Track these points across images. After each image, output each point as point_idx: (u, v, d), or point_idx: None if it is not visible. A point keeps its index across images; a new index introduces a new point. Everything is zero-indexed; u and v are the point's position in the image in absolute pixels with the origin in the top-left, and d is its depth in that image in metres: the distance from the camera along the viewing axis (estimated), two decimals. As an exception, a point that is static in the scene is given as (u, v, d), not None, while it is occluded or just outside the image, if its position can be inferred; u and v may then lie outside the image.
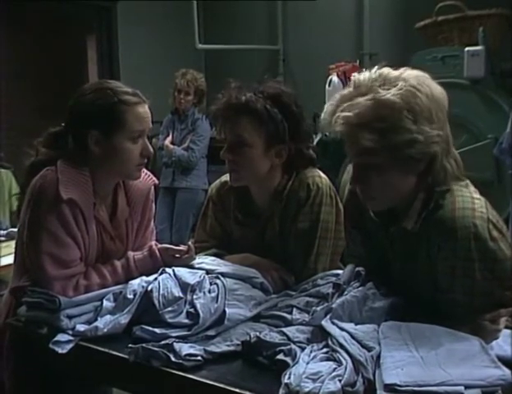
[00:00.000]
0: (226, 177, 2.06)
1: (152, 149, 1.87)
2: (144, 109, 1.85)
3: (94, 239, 1.82)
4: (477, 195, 1.48)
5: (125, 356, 1.44)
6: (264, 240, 1.97)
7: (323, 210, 1.89)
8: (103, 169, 1.83)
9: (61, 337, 1.55)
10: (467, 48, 3.56)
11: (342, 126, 1.44)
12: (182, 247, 1.86)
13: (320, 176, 1.94)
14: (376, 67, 1.50)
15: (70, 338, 1.56)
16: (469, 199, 1.45)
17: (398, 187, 1.49)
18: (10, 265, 2.20)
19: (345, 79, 4.30)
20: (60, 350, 1.53)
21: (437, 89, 1.47)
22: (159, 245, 1.90)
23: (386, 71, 1.47)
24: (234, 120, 1.87)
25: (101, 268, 1.81)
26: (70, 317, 1.61)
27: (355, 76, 1.49)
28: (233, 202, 2.03)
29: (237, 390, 1.28)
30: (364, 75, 1.48)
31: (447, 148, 1.48)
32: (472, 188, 1.51)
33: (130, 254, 1.87)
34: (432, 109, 1.42)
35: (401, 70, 1.48)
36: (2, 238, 3.47)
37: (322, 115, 1.53)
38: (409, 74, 1.46)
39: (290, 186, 1.93)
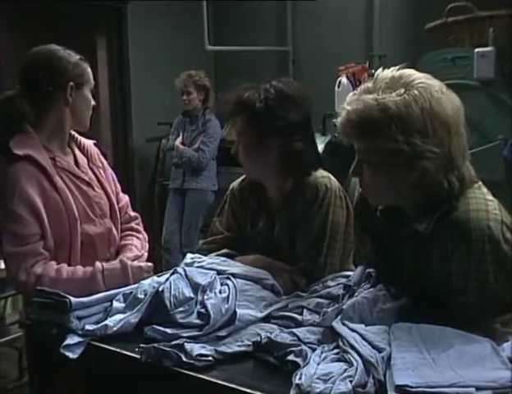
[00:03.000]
0: None
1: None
2: (87, 64, 2.05)
3: (64, 191, 1.88)
4: (490, 197, 1.48)
5: (137, 356, 1.45)
6: (273, 237, 1.98)
7: (332, 211, 1.89)
8: (61, 121, 1.96)
9: (71, 340, 1.55)
10: (477, 49, 3.55)
11: (341, 118, 1.48)
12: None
13: (329, 178, 1.95)
14: (399, 66, 1.49)
15: (80, 340, 1.56)
16: (483, 201, 1.44)
17: (390, 187, 1.49)
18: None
19: (354, 80, 4.30)
20: (71, 355, 1.52)
21: (446, 106, 1.42)
22: (133, 264, 1.91)
23: (408, 72, 1.46)
24: (234, 118, 1.94)
25: (62, 265, 1.85)
26: (79, 318, 1.62)
27: (379, 71, 1.50)
28: (251, 199, 2.06)
29: (248, 390, 1.28)
30: (387, 72, 1.48)
31: (447, 165, 1.44)
32: (484, 189, 1.50)
33: (98, 263, 1.89)
34: (428, 123, 1.39)
35: (417, 76, 1.45)
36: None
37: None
38: (418, 82, 1.43)
39: (296, 186, 1.95)
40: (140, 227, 2.20)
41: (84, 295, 1.68)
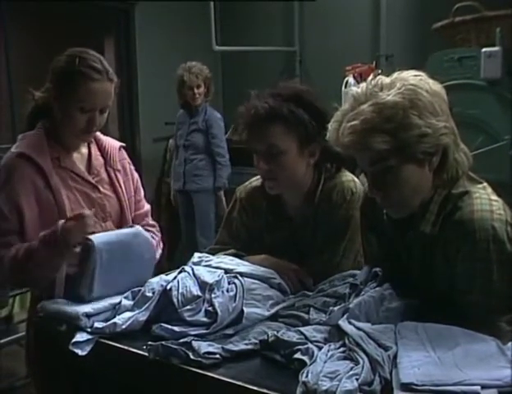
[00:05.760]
0: (256, 182, 2.07)
1: (99, 123, 1.95)
2: (101, 86, 1.91)
3: (59, 190, 1.87)
4: (494, 197, 1.48)
5: (145, 353, 1.46)
6: (298, 244, 1.97)
7: (355, 215, 1.88)
8: (74, 123, 1.92)
9: (80, 337, 1.57)
10: (484, 49, 3.53)
11: (350, 136, 1.44)
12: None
13: (354, 181, 1.94)
14: (371, 77, 1.52)
15: (89, 337, 1.58)
16: (487, 201, 1.45)
17: (417, 187, 1.49)
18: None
19: (361, 80, 4.30)
20: (80, 352, 1.54)
21: (436, 84, 1.49)
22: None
23: (382, 78, 1.49)
24: (263, 130, 1.85)
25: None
26: (88, 316, 1.63)
27: (353, 90, 1.50)
28: (265, 207, 2.03)
29: (255, 388, 1.29)
30: (361, 86, 1.50)
31: (455, 139, 1.50)
32: (489, 190, 1.51)
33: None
34: (435, 103, 1.44)
35: (396, 73, 1.49)
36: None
37: (328, 134, 1.54)
38: (406, 74, 1.48)
39: (321, 188, 1.94)
40: (157, 233, 2.18)
41: (45, 260, 1.74)
